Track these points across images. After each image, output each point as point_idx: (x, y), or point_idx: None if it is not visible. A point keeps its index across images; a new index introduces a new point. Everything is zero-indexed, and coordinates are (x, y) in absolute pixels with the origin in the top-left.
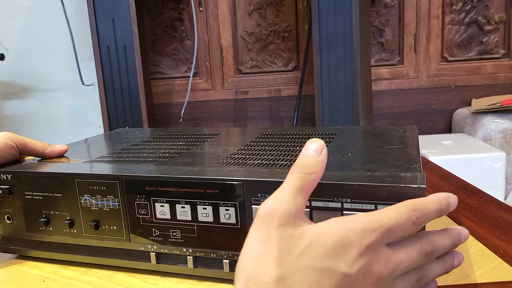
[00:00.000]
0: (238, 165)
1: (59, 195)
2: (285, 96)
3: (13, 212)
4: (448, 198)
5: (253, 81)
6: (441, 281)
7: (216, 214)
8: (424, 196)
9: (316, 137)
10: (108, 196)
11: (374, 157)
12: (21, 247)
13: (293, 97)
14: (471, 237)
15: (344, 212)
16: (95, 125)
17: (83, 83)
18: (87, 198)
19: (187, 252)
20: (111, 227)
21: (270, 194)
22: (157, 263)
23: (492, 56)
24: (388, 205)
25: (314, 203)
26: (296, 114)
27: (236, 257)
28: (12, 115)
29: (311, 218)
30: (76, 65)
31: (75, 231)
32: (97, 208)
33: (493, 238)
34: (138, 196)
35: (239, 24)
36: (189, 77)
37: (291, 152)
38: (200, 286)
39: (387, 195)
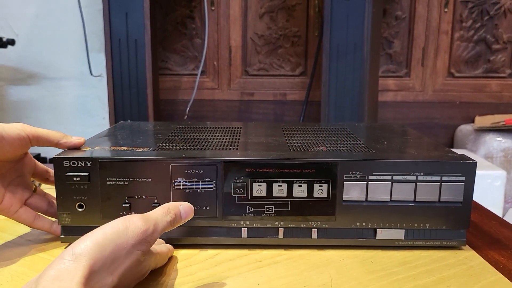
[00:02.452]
0: (309, 150)
1: (148, 180)
2: (290, 100)
3: (87, 199)
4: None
5: (260, 83)
6: None
7: (310, 190)
8: (474, 169)
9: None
10: (204, 179)
11: (407, 144)
12: None
13: (298, 102)
14: (472, 251)
15: (417, 183)
16: (99, 116)
17: (91, 74)
18: (181, 181)
19: (279, 225)
20: (204, 207)
21: (359, 172)
22: (248, 237)
23: (498, 75)
24: (450, 176)
25: (395, 177)
26: (302, 119)
27: (324, 225)
28: (18, 100)
29: (391, 190)
30: (84, 55)
31: None
32: (190, 191)
33: (493, 253)
34: (236, 177)
35: (250, 26)
36: (196, 75)
37: (337, 141)
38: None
39: (450, 168)
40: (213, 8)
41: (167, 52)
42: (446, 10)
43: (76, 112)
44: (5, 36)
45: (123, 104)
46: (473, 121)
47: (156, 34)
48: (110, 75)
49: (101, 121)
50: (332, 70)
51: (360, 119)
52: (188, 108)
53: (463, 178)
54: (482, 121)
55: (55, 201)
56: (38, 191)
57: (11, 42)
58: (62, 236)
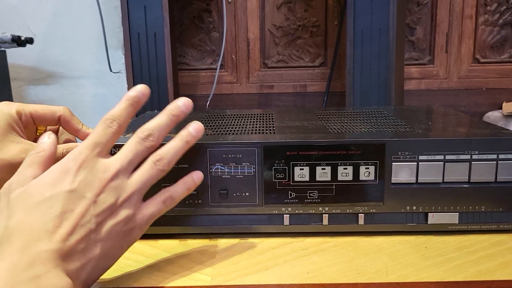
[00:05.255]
0: (349, 131)
1: (185, 165)
2: (310, 92)
3: None
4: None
5: (279, 75)
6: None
7: (355, 173)
8: None
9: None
10: (243, 164)
11: (454, 123)
12: None
13: (319, 94)
14: None
15: (472, 162)
16: None
17: (111, 70)
18: (219, 167)
19: (323, 211)
20: (243, 194)
21: (408, 152)
22: (290, 224)
23: None
24: (507, 154)
25: (447, 157)
26: None
27: (371, 210)
28: (37, 100)
29: (443, 171)
30: (101, 53)
31: (199, 201)
32: (228, 176)
33: None
34: (277, 161)
35: (267, 17)
36: (214, 69)
37: (377, 122)
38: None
39: (507, 145)
40: (229, 1)
41: (185, 47)
42: None
43: (96, 110)
44: (23, 35)
45: None
46: (500, 108)
47: (174, 28)
48: (130, 70)
49: None
50: (356, 57)
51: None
52: (208, 103)
53: None
54: (510, 106)
55: None
56: None
57: (30, 41)
58: None
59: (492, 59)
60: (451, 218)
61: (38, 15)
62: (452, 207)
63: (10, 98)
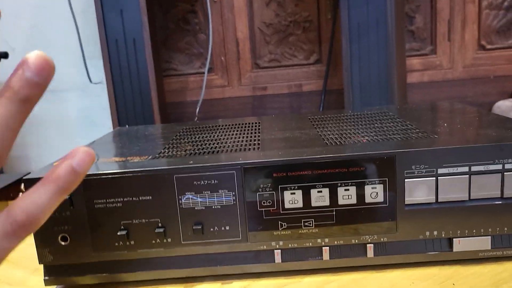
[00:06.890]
0: (351, 143)
1: (147, 198)
2: (306, 91)
3: (72, 229)
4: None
5: (272, 76)
6: None
7: (360, 194)
8: None
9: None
10: (220, 191)
11: (475, 124)
12: (84, 274)
13: (315, 92)
14: None
15: (504, 173)
16: (104, 126)
17: (90, 81)
18: (190, 197)
19: (323, 243)
20: (222, 228)
21: (424, 164)
22: (282, 261)
23: None
24: None
25: (473, 168)
26: (321, 110)
27: (382, 239)
28: None
29: (469, 186)
30: (83, 63)
31: (169, 240)
32: (203, 208)
33: None
34: (262, 185)
35: (256, 15)
36: (203, 73)
37: (383, 128)
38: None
39: None
40: (215, 0)
41: (171, 52)
42: None
43: (81, 123)
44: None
45: (127, 110)
46: (511, 96)
47: (156, 33)
48: (110, 79)
49: (107, 131)
50: (353, 52)
51: (390, 103)
52: (197, 109)
53: None
54: None
55: None
56: None
57: (5, 55)
58: (46, 278)
59: (499, 44)
60: (482, 243)
61: (16, 28)
62: (482, 230)
63: None
